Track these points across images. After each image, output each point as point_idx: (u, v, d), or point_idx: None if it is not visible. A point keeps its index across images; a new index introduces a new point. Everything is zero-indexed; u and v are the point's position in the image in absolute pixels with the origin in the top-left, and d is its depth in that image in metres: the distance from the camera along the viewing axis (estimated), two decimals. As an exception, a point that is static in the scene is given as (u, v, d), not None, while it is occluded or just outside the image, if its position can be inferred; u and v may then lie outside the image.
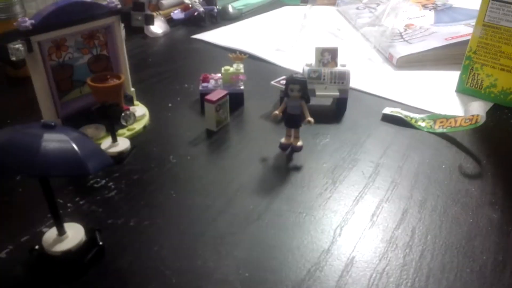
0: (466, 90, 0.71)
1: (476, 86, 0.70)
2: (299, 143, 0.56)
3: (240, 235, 0.43)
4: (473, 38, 0.67)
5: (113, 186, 0.49)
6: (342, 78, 0.64)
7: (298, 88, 0.52)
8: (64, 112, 0.57)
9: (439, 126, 0.61)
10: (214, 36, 0.99)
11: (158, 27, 1.01)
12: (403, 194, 0.49)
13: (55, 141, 0.33)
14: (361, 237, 0.43)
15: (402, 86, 0.75)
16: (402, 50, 0.83)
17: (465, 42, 0.71)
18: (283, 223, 0.45)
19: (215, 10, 1.10)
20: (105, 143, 0.55)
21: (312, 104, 0.55)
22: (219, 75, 0.68)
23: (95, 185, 0.50)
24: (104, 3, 0.56)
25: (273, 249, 0.41)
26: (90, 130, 0.57)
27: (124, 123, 0.57)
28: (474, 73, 0.69)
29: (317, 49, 0.64)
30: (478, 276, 0.39)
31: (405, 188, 0.50)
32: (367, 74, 0.80)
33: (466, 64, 0.69)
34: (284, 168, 0.54)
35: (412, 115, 0.64)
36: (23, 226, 0.43)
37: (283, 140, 0.57)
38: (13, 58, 0.48)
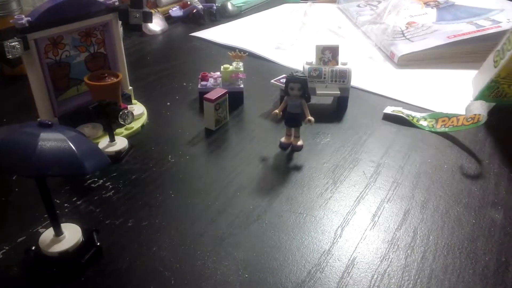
0: (486, 99, 0.68)
1: (499, 96, 0.67)
2: (300, 143, 0.55)
3: (239, 236, 0.42)
4: (504, 67, 0.64)
5: (110, 186, 0.49)
6: (343, 77, 0.63)
7: (299, 86, 0.52)
8: (61, 110, 0.57)
9: (441, 125, 0.60)
10: (213, 34, 0.99)
11: (156, 25, 1.00)
12: (405, 194, 0.49)
13: (52, 140, 0.32)
14: (362, 237, 0.43)
15: (403, 85, 0.75)
16: (403, 48, 0.83)
17: (467, 40, 0.70)
18: (283, 223, 0.44)
19: (214, 7, 1.09)
20: (103, 142, 0.54)
21: (313, 103, 0.55)
22: (218, 73, 0.68)
23: (93, 185, 0.49)
24: (102, 0, 0.56)
25: (273, 250, 0.41)
26: (87, 129, 0.57)
27: (122, 122, 0.56)
28: (499, 90, 0.66)
29: (317, 47, 0.64)
30: (481, 277, 0.38)
31: (407, 188, 0.49)
32: (368, 72, 0.79)
33: (492, 85, 0.66)
34: (284, 168, 0.53)
35: (413, 114, 0.63)
36: (19, 226, 0.43)
37: (283, 139, 0.56)
38: (9, 56, 0.47)
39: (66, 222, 0.41)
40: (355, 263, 0.40)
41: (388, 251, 0.41)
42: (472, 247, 0.41)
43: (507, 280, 0.38)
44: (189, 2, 1.08)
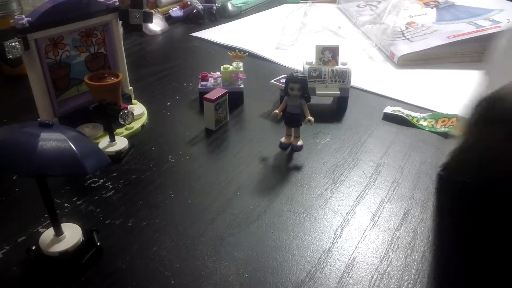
0: None
1: None
2: (299, 143, 0.55)
3: (239, 236, 0.42)
4: None
5: (111, 186, 0.49)
6: (343, 77, 0.63)
7: (298, 87, 0.52)
8: (61, 110, 0.57)
9: (441, 126, 0.60)
10: (213, 34, 0.99)
11: (156, 25, 1.00)
12: (405, 194, 0.49)
13: (52, 140, 0.32)
14: (362, 237, 0.43)
15: (403, 85, 0.75)
16: (403, 48, 0.83)
17: (467, 41, 0.70)
18: (283, 223, 0.44)
19: (214, 7, 1.09)
20: (103, 142, 0.54)
21: (313, 103, 0.55)
22: (218, 73, 0.68)
23: (93, 185, 0.49)
24: (102, 0, 0.56)
25: (273, 250, 0.41)
26: (87, 129, 0.57)
27: (122, 122, 0.56)
28: None
29: (317, 47, 0.64)
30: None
31: (407, 188, 0.49)
32: (368, 72, 0.79)
33: None
34: (284, 168, 0.53)
35: (413, 114, 0.63)
36: (19, 226, 0.43)
37: (283, 139, 0.56)
38: (10, 56, 0.47)
39: (66, 222, 0.41)
40: (355, 263, 0.40)
41: (388, 251, 0.41)
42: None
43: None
44: (189, 2, 1.08)
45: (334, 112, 0.66)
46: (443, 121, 0.60)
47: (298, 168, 0.53)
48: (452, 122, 0.59)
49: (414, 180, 0.51)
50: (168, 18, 1.06)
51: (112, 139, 0.54)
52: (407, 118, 0.62)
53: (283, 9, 1.17)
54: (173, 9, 1.08)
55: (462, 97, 0.66)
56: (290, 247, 0.41)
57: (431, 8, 0.97)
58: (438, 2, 0.99)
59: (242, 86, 0.67)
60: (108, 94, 0.55)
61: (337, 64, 0.64)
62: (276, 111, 0.54)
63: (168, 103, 0.68)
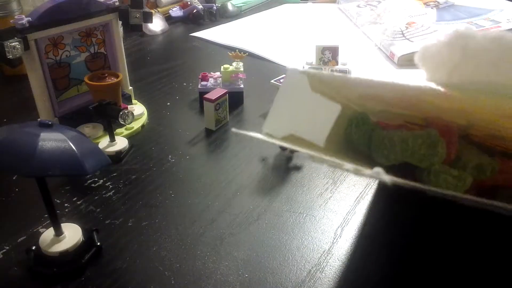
0: None
1: None
2: (299, 142, 0.55)
3: (239, 236, 0.42)
4: None
5: (111, 186, 0.49)
6: (342, 77, 0.63)
7: (299, 86, 0.52)
8: (61, 110, 0.57)
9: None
10: (213, 34, 0.99)
11: (156, 25, 1.00)
12: (405, 194, 0.49)
13: (52, 140, 0.32)
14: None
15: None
16: (403, 48, 0.83)
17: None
18: (283, 223, 0.44)
19: (214, 7, 1.09)
20: (103, 142, 0.54)
21: (313, 103, 0.55)
22: (218, 73, 0.68)
23: (93, 185, 0.49)
24: (102, 0, 0.56)
25: (273, 250, 0.41)
26: (87, 129, 0.57)
27: (122, 122, 0.56)
28: None
29: (317, 47, 0.64)
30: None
31: (407, 188, 0.49)
32: (368, 72, 0.79)
33: None
34: (284, 168, 0.53)
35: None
36: (19, 226, 0.43)
37: (283, 139, 0.56)
38: (10, 56, 0.47)
39: (66, 222, 0.41)
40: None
41: (388, 251, 0.41)
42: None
43: None
44: (189, 2, 1.08)
45: (334, 112, 0.66)
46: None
47: (298, 168, 0.53)
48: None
49: (414, 180, 0.51)
50: (168, 18, 1.06)
51: (112, 139, 0.54)
52: (407, 118, 0.62)
53: (283, 9, 1.18)
54: (173, 9, 1.08)
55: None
56: (290, 247, 0.41)
57: (431, 8, 0.97)
58: (438, 2, 0.99)
59: (242, 86, 0.67)
60: (108, 94, 0.55)
61: (337, 64, 0.64)
62: (276, 111, 0.54)
63: (168, 103, 0.68)
